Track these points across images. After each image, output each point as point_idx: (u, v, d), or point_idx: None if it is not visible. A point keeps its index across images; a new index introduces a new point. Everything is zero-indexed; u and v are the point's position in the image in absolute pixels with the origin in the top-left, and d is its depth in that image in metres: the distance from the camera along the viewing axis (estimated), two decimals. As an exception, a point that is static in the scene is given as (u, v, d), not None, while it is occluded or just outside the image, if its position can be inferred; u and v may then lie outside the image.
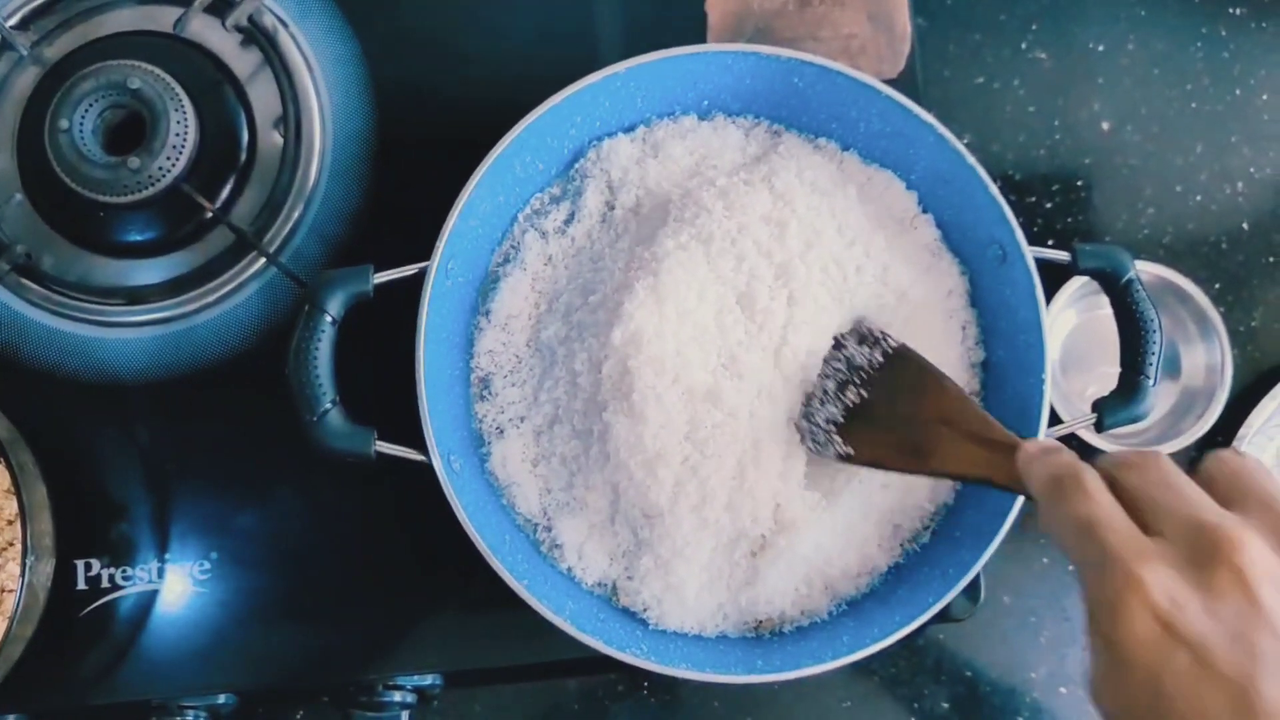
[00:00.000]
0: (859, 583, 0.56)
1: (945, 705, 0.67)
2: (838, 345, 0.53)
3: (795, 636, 0.55)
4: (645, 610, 0.55)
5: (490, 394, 0.57)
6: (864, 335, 0.53)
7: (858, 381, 0.51)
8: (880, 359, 0.52)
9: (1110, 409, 0.53)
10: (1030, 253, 0.53)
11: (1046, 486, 0.39)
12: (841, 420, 0.51)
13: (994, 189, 0.53)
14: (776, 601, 0.54)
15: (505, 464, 0.56)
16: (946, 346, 0.57)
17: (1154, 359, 0.52)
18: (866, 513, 0.56)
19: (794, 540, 0.53)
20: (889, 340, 0.52)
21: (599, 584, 0.56)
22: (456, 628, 0.60)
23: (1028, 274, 0.53)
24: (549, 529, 0.56)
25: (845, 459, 0.51)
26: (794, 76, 0.56)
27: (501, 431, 0.56)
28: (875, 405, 0.51)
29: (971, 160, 0.54)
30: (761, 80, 0.56)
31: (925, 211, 0.59)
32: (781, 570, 0.53)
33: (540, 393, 0.56)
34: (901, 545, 0.57)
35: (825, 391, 0.52)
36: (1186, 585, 0.32)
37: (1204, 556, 0.32)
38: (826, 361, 0.53)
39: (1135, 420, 0.53)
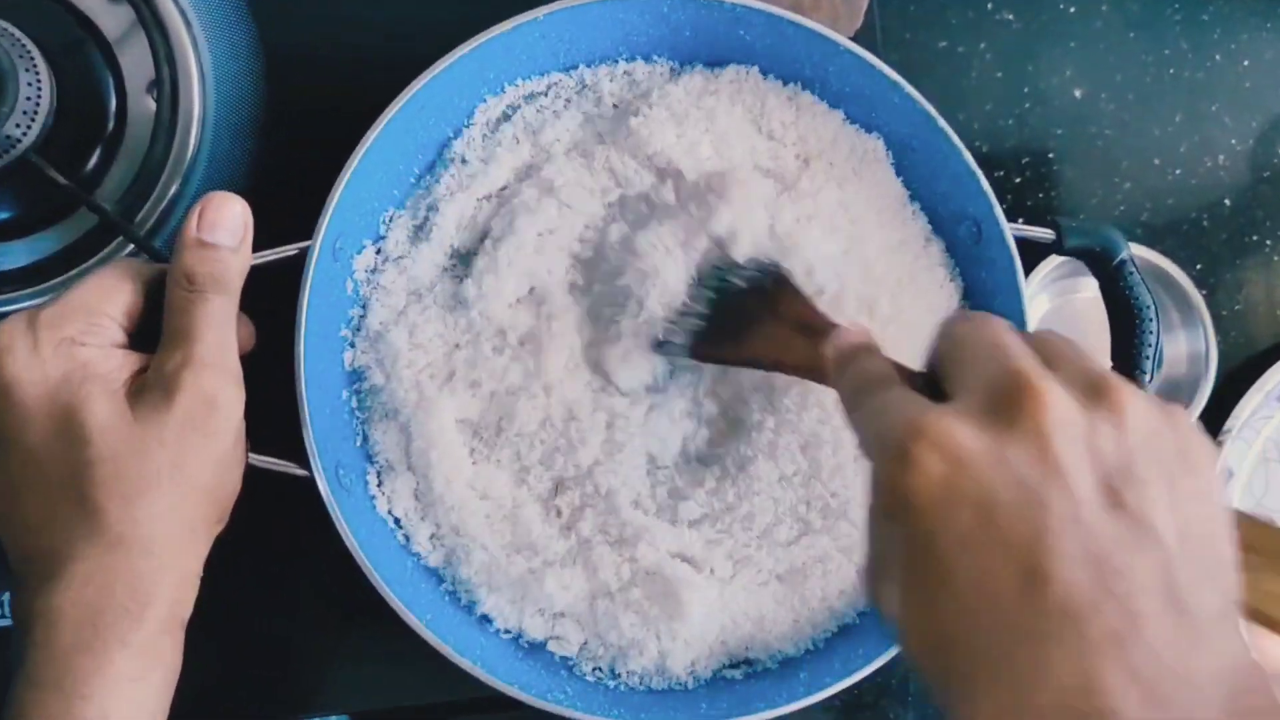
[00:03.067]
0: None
1: (912, 728, 0.61)
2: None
3: (748, 674, 0.49)
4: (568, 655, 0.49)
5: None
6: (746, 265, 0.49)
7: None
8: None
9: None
10: (1010, 230, 0.47)
11: (839, 360, 0.36)
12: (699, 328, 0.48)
13: (968, 157, 0.48)
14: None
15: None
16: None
17: (1150, 350, 0.46)
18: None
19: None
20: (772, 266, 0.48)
21: (507, 630, 0.50)
22: (362, 665, 0.54)
23: (1007, 254, 0.47)
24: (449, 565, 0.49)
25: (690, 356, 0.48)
26: (740, 28, 0.49)
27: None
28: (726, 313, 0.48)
29: (943, 124, 0.48)
30: (702, 33, 0.50)
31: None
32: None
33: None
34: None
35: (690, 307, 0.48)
36: (979, 431, 0.28)
37: (1003, 404, 0.29)
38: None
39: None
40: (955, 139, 0.48)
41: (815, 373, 0.42)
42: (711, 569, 0.49)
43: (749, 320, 0.46)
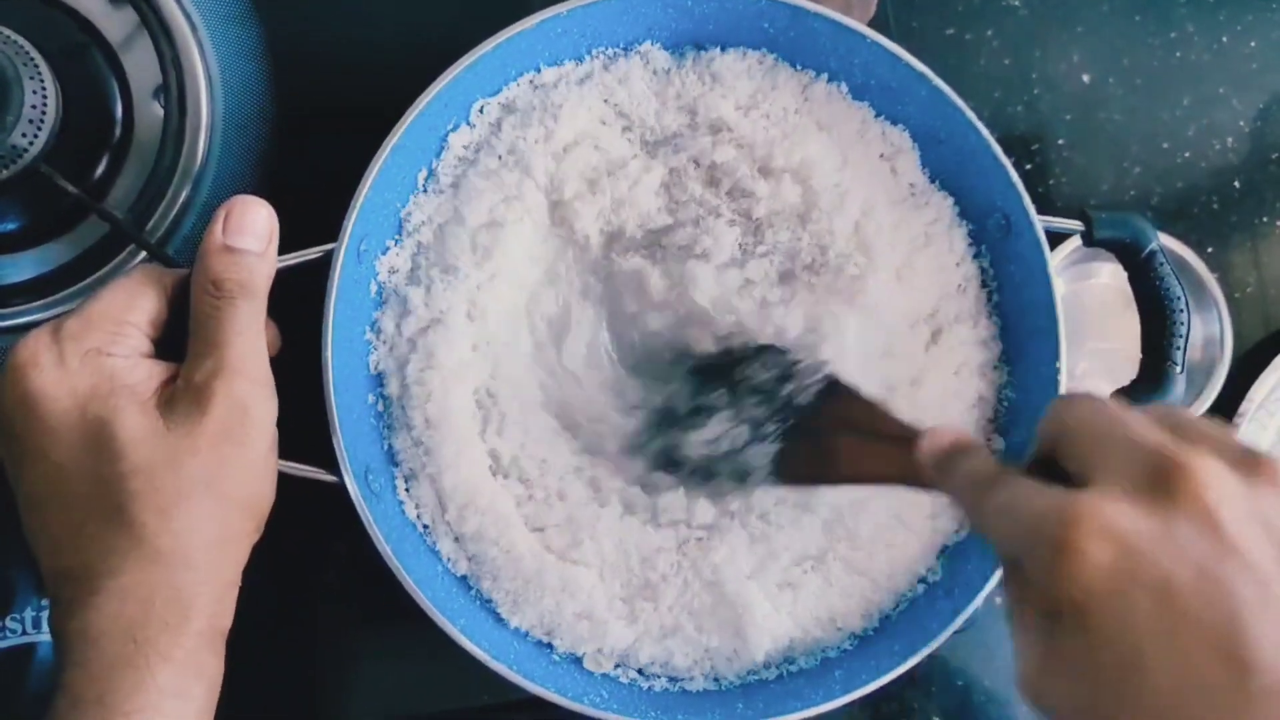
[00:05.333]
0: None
1: (936, 719, 0.61)
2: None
3: (782, 674, 0.48)
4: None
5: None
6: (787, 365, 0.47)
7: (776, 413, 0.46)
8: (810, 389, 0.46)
9: (1133, 401, 0.46)
10: (1040, 222, 0.46)
11: (940, 466, 0.36)
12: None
13: (997, 149, 0.47)
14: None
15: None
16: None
17: (1182, 341, 0.46)
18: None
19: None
20: (819, 372, 0.46)
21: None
22: (392, 671, 0.53)
23: (1037, 247, 0.47)
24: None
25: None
26: (763, 21, 0.49)
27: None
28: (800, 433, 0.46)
29: (971, 116, 0.47)
30: (725, 26, 0.49)
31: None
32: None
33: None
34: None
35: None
36: (1139, 513, 0.27)
37: (1156, 483, 0.28)
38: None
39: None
40: (984, 131, 0.47)
41: (913, 480, 0.39)
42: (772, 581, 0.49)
43: (824, 439, 0.44)
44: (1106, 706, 0.28)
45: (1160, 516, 0.27)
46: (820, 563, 0.50)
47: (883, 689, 0.59)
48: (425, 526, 0.49)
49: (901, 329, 0.51)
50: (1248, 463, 0.28)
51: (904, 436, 0.39)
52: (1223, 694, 0.26)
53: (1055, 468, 0.31)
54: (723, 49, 0.51)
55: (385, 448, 0.49)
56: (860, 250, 0.50)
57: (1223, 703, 0.26)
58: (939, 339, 0.51)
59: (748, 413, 0.46)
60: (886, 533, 0.50)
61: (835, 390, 0.45)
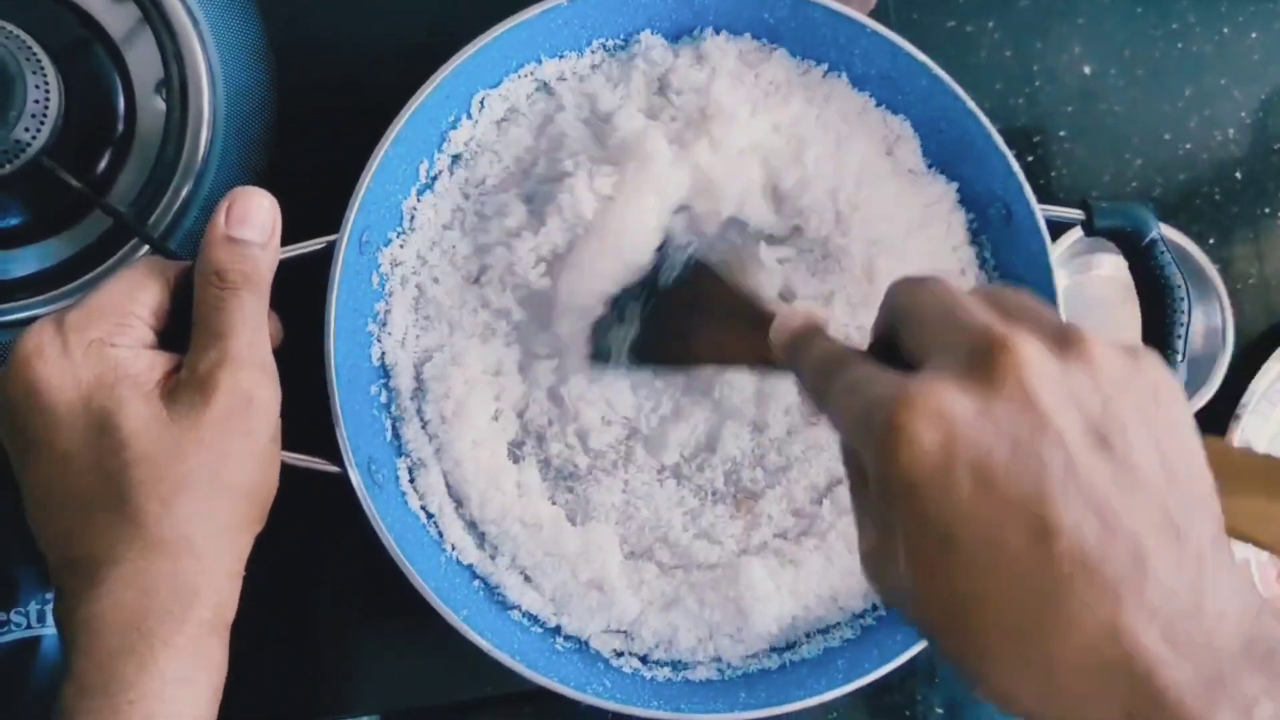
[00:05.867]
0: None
1: (940, 710, 0.61)
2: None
3: (785, 664, 0.49)
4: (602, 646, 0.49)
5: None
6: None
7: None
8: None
9: None
10: (1041, 211, 0.46)
11: (788, 347, 0.36)
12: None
13: (998, 139, 0.47)
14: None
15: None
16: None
17: (1182, 330, 0.46)
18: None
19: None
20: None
21: (543, 624, 0.50)
22: (396, 663, 0.53)
23: (1038, 236, 0.47)
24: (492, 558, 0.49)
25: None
26: (764, 11, 0.49)
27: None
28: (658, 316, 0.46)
29: (971, 106, 0.47)
30: (725, 16, 0.49)
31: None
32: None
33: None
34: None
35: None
36: (963, 393, 0.28)
37: (980, 363, 0.28)
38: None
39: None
40: (985, 121, 0.47)
41: (766, 362, 0.40)
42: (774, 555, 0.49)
43: (683, 319, 0.45)
44: (924, 583, 0.28)
45: (983, 396, 0.28)
46: (822, 540, 0.50)
47: (885, 679, 0.60)
48: (430, 516, 0.49)
49: None
50: (1064, 340, 0.29)
51: (759, 318, 0.39)
52: (1029, 558, 0.27)
53: (896, 352, 0.32)
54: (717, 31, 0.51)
55: (388, 438, 0.49)
56: (855, 222, 0.50)
57: (1027, 568, 0.27)
58: None
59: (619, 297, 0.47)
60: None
61: (700, 270, 0.45)
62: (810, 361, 0.35)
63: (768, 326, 0.38)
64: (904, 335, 0.32)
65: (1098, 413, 0.28)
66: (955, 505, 0.27)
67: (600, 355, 0.47)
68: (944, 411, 0.27)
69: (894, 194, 0.50)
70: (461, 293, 0.50)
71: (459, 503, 0.49)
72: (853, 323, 0.50)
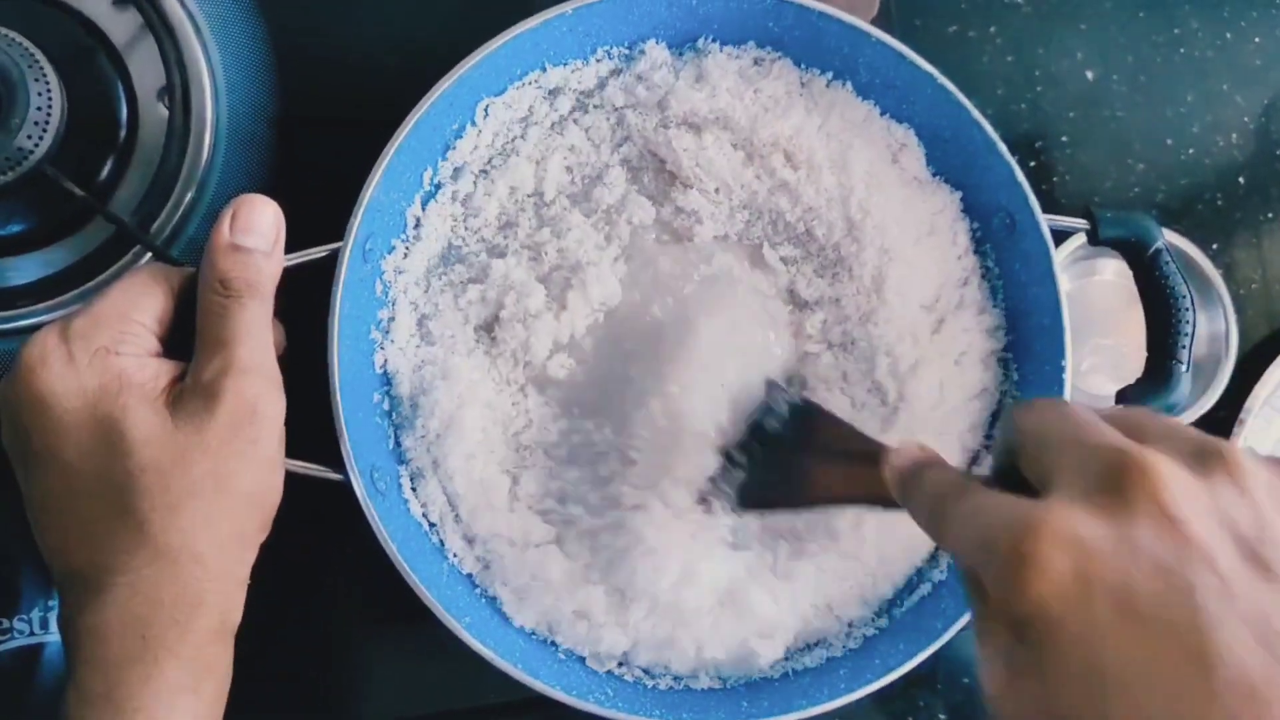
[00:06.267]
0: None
1: (943, 717, 0.61)
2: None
3: (786, 674, 0.48)
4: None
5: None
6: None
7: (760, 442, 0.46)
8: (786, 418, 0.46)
9: (1138, 399, 0.46)
10: (1046, 221, 0.46)
11: (904, 482, 0.35)
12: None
13: (1003, 148, 0.47)
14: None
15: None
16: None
17: (1187, 340, 0.46)
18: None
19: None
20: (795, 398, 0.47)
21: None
22: (398, 671, 0.53)
23: (1042, 245, 0.47)
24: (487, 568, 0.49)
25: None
26: (769, 20, 0.49)
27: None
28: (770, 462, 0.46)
29: (976, 115, 0.47)
30: (730, 26, 0.50)
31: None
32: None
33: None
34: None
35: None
36: (1095, 518, 0.27)
37: (1112, 487, 0.27)
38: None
39: (1167, 411, 0.46)
40: (989, 129, 0.47)
41: (880, 499, 0.39)
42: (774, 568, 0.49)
43: (795, 462, 0.44)
44: (1067, 714, 0.27)
45: (1118, 520, 0.27)
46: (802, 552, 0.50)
47: (888, 686, 0.60)
48: (431, 525, 0.49)
49: (912, 310, 0.51)
50: (1203, 457, 0.28)
51: (870, 455, 0.39)
52: (1187, 693, 0.25)
53: (1019, 478, 0.31)
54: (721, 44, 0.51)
55: (391, 446, 0.49)
56: (867, 228, 0.50)
57: (1187, 701, 0.25)
58: (942, 327, 0.51)
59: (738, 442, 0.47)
60: (861, 518, 0.50)
61: (808, 412, 0.45)
62: (926, 492, 0.34)
63: (881, 463, 0.37)
64: (1026, 460, 0.31)
65: (1251, 530, 0.26)
66: (1098, 638, 0.26)
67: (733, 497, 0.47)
68: (1075, 538, 0.26)
69: (902, 201, 0.50)
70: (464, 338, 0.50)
71: (456, 515, 0.49)
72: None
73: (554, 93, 0.51)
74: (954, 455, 0.51)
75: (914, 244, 0.50)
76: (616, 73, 0.51)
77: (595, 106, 0.51)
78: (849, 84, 0.51)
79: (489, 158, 0.51)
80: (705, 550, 0.48)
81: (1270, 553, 0.26)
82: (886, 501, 0.38)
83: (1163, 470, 0.27)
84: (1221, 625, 0.25)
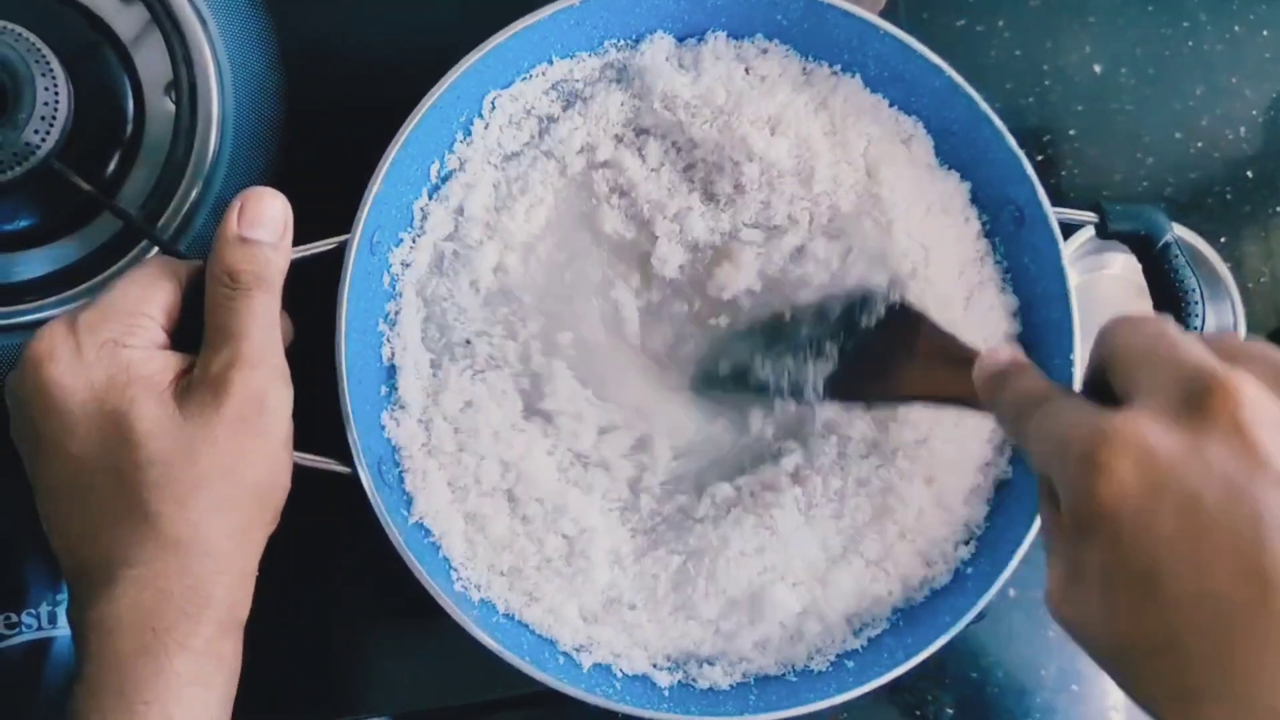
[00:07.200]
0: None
1: (951, 711, 0.61)
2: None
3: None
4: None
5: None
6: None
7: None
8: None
9: None
10: (1055, 215, 0.46)
11: (991, 385, 0.36)
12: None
13: (1012, 141, 0.47)
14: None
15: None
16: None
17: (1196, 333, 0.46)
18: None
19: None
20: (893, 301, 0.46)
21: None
22: (406, 664, 0.54)
23: (1051, 238, 0.47)
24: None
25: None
26: (777, 12, 0.49)
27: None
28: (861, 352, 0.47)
29: (985, 108, 0.47)
30: (738, 18, 0.49)
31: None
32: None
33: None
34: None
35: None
36: (1171, 431, 0.27)
37: (1193, 402, 0.27)
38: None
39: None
40: (998, 122, 0.47)
41: (966, 401, 0.40)
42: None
43: (885, 357, 0.45)
44: (1121, 620, 0.28)
45: (1193, 434, 0.27)
46: (837, 564, 0.50)
47: (896, 680, 0.60)
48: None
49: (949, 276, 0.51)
50: None
51: (964, 359, 0.40)
52: (1242, 610, 0.26)
53: (1108, 392, 0.31)
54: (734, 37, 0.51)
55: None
56: (884, 195, 0.50)
57: (1241, 618, 0.26)
58: (970, 303, 0.51)
59: (809, 333, 0.47)
60: (904, 539, 0.50)
61: (902, 313, 0.45)
62: (1014, 398, 0.34)
63: (971, 365, 0.38)
64: (1115, 373, 0.31)
65: None
66: (1159, 543, 0.26)
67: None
68: (1147, 446, 0.27)
69: (913, 180, 0.50)
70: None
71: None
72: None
73: (559, 85, 0.51)
74: (982, 434, 0.51)
75: (926, 214, 0.50)
76: (621, 65, 0.51)
77: (600, 97, 0.51)
78: (858, 76, 0.51)
79: (495, 151, 0.51)
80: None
81: None
82: (974, 403, 0.39)
83: (1247, 390, 0.27)
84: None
